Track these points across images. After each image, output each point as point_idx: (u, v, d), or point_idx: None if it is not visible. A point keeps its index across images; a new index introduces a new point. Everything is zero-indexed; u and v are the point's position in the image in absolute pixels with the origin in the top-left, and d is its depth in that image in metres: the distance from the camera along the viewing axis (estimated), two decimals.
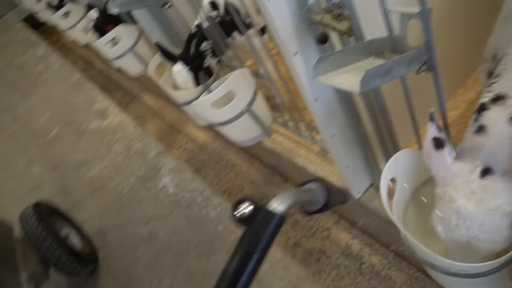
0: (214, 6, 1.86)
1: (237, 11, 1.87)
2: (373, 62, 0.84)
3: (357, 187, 1.57)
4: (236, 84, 1.57)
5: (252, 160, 2.47)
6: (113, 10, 1.96)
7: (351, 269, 1.70)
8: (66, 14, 3.42)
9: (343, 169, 1.46)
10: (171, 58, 1.89)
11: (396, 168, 0.95)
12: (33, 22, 7.11)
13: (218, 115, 1.61)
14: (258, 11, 1.24)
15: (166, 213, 2.35)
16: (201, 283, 1.96)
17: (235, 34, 1.95)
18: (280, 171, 2.24)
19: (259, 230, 0.64)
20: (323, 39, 1.01)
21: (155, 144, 2.87)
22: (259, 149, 2.16)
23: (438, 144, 0.75)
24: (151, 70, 1.99)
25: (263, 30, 2.14)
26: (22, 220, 1.96)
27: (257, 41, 1.83)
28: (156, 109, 3.71)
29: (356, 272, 1.69)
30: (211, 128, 3.02)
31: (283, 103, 1.83)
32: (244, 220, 0.64)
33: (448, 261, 0.75)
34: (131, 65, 2.65)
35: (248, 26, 1.84)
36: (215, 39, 1.84)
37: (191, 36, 1.88)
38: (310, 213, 0.79)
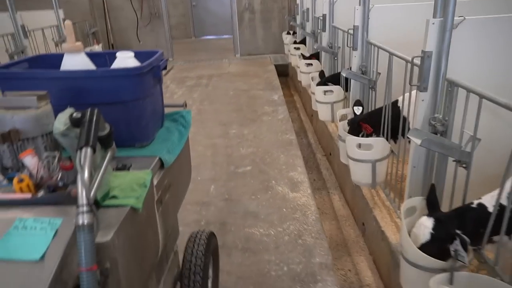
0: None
1: None
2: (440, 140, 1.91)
3: None
4: (376, 143, 2.67)
5: None
6: (343, 73, 3.32)
7: None
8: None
9: None
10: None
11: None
12: (282, 71, 7.97)
13: (354, 152, 2.75)
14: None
15: None
16: None
17: None
18: None
19: None
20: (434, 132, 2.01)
21: (325, 252, 2.62)
22: None
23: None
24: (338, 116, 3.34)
25: None
26: (191, 243, 1.90)
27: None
28: (340, 215, 3.50)
29: None
30: (385, 275, 2.64)
31: None
32: None
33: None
34: (325, 112, 4.06)
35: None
36: None
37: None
38: None
